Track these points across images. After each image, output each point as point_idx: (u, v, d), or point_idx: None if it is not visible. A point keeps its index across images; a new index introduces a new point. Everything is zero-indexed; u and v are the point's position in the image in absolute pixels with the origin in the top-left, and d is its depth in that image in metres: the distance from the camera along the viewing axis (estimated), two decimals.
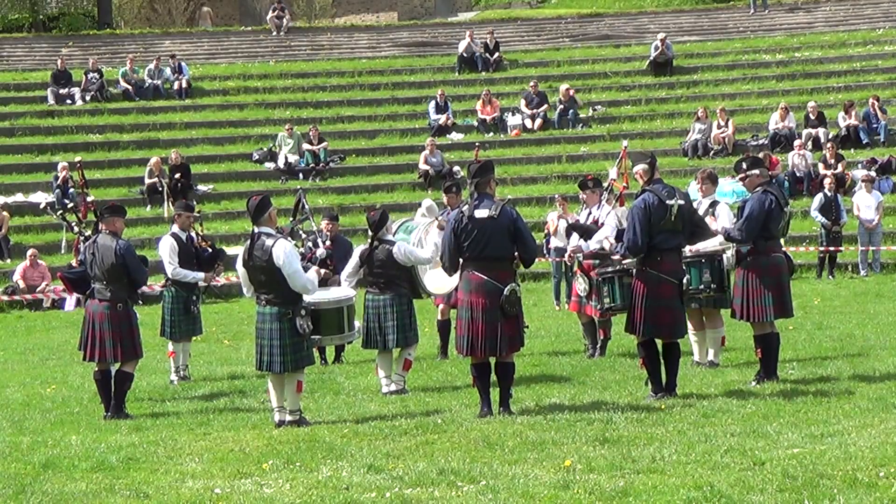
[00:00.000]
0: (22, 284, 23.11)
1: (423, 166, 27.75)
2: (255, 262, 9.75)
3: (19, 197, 26.91)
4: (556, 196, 20.43)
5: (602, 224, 12.41)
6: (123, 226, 11.58)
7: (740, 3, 40.83)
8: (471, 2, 50.77)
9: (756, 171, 10.84)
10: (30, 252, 23.54)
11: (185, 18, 44.94)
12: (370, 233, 11.90)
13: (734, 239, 10.70)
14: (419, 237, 12.12)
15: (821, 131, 27.70)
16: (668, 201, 9.98)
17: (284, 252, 9.64)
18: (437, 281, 12.11)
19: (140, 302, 11.93)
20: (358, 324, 11.38)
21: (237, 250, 10.57)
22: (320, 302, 10.52)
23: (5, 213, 25.47)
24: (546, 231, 19.85)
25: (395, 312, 11.59)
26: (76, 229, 12.64)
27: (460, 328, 9.69)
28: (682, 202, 10.08)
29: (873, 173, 24.96)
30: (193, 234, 13.82)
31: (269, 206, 10.02)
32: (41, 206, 26.21)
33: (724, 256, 11.47)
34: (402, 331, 11.58)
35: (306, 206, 15.86)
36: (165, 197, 26.36)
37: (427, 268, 12.06)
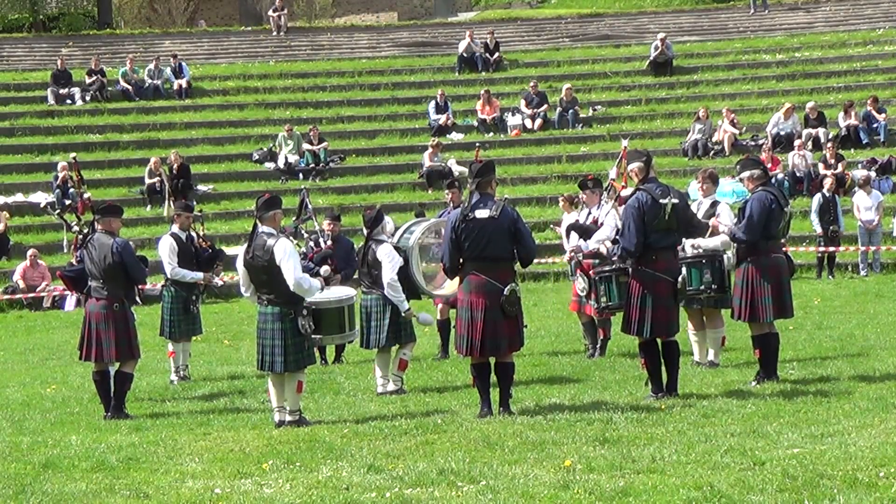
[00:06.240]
0: (22, 284, 23.12)
1: (428, 164, 27.65)
2: (256, 261, 9.75)
3: (19, 197, 26.92)
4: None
5: (602, 224, 12.41)
6: (120, 224, 11.56)
7: (740, 3, 40.83)
8: (471, 2, 50.79)
9: (755, 172, 10.83)
10: (30, 252, 23.55)
11: (185, 18, 44.95)
12: (364, 231, 11.92)
13: (740, 240, 10.68)
14: (418, 237, 12.00)
15: (821, 131, 27.71)
16: (661, 200, 9.96)
17: (285, 251, 9.65)
18: (445, 282, 12.03)
19: (139, 301, 11.90)
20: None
21: (237, 250, 10.54)
22: (321, 301, 10.52)
23: (5, 213, 25.47)
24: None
25: (383, 311, 11.58)
26: (75, 228, 12.62)
27: (460, 328, 9.69)
28: (675, 200, 10.06)
29: (872, 173, 24.97)
30: (193, 234, 13.83)
31: (277, 207, 10.00)
32: (41, 206, 26.21)
33: (725, 256, 11.48)
34: (391, 329, 11.56)
35: (309, 206, 15.86)
36: (166, 197, 26.37)
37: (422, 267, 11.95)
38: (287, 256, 9.63)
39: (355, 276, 12.40)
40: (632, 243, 9.95)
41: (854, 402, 9.40)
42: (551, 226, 22.87)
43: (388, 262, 11.44)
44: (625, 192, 12.39)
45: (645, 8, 44.61)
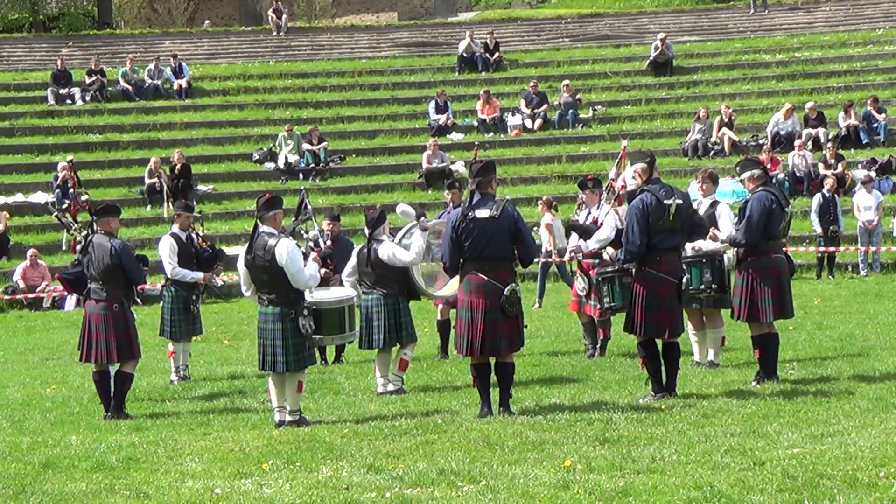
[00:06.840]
0: (22, 284, 23.12)
1: (426, 165, 27.64)
2: (257, 261, 9.74)
3: (19, 197, 26.91)
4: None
5: (601, 224, 12.40)
6: (119, 225, 11.53)
7: (740, 3, 40.84)
8: (471, 2, 50.77)
9: (756, 172, 10.83)
10: (30, 252, 23.55)
11: (185, 18, 44.96)
12: (366, 231, 11.91)
13: (739, 243, 10.67)
14: (400, 238, 12.01)
15: (821, 131, 27.71)
16: (665, 201, 9.95)
17: (287, 251, 9.63)
18: (446, 283, 12.02)
19: (139, 302, 11.91)
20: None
21: (237, 250, 10.56)
22: (322, 301, 10.52)
23: (5, 213, 25.46)
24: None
25: (383, 311, 11.58)
26: (73, 228, 12.62)
27: (460, 328, 9.68)
28: (680, 201, 10.05)
29: (872, 173, 24.98)
30: (193, 234, 13.83)
31: (278, 207, 9.98)
32: (42, 205, 26.20)
33: (725, 256, 11.48)
34: (390, 330, 11.56)
35: (309, 207, 15.85)
36: (165, 197, 26.37)
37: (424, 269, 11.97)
38: (290, 259, 9.61)
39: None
40: (636, 245, 9.93)
41: (854, 402, 9.39)
42: (534, 227, 22.89)
43: (396, 254, 11.40)
44: (624, 191, 12.41)
45: (645, 8, 44.61)
